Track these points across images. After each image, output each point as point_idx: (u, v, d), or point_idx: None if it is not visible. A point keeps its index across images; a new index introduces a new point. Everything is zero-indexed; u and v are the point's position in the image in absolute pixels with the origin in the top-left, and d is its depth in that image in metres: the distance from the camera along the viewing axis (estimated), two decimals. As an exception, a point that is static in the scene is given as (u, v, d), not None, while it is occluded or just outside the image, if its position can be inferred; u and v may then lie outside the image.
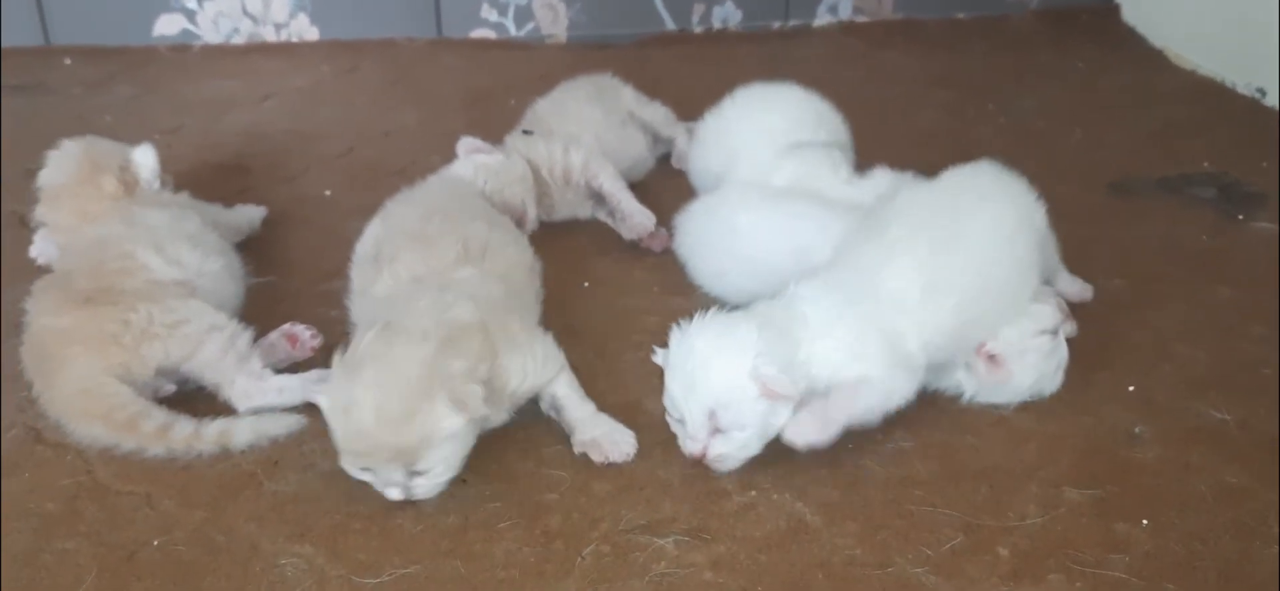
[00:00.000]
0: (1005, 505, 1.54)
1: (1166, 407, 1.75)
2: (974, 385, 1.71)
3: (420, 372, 1.46)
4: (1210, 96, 3.02)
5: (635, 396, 1.76)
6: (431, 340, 1.50)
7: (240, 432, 1.60)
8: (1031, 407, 1.74)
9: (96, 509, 1.51)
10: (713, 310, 1.59)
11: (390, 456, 1.45)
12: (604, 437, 1.62)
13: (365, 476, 1.49)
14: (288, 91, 2.97)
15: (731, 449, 1.53)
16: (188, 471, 1.58)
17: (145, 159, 1.97)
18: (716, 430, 1.52)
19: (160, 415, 1.60)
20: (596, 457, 1.60)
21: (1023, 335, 1.69)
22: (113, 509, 1.51)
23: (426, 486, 1.49)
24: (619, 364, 1.84)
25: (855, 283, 1.65)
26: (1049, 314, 1.72)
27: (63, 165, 1.94)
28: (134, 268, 1.72)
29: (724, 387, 1.50)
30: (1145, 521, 1.51)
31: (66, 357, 1.62)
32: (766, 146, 2.17)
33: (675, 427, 1.58)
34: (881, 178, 2.06)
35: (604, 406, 1.72)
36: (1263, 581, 1.42)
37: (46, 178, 1.95)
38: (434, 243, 1.77)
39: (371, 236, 1.89)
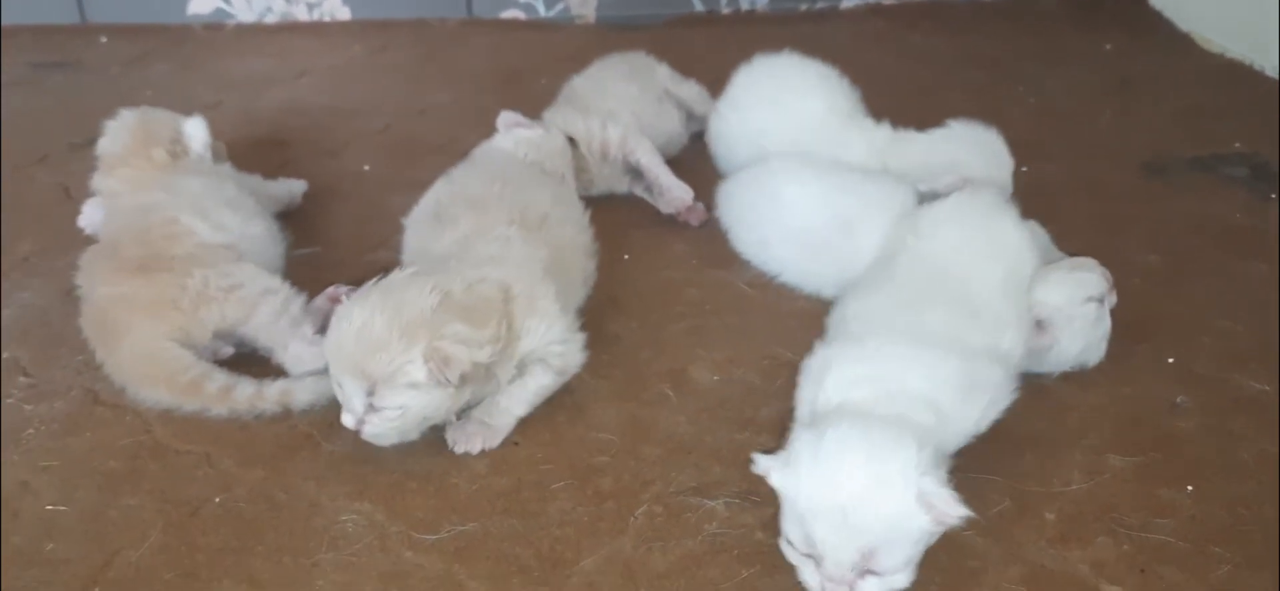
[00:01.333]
0: (1050, 472, 1.56)
1: (1206, 379, 1.76)
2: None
3: (413, 316, 1.48)
4: (1238, 79, 3.03)
5: (680, 363, 1.79)
6: (440, 295, 1.52)
7: (301, 392, 1.62)
8: (1073, 379, 1.76)
9: (158, 467, 1.54)
10: (840, 424, 1.31)
11: (354, 375, 1.47)
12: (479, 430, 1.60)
13: (337, 392, 1.52)
14: (321, 70, 2.99)
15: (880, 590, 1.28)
16: (245, 432, 1.61)
17: (196, 131, 2.00)
18: (868, 572, 1.26)
19: (222, 377, 1.63)
20: (461, 445, 1.58)
21: (1071, 301, 1.71)
22: (174, 467, 1.54)
23: (377, 425, 1.49)
24: (662, 334, 1.86)
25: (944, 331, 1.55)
26: (1095, 282, 1.73)
27: (118, 135, 1.97)
28: (180, 233, 1.75)
29: (889, 525, 1.24)
30: (1190, 487, 1.54)
31: (128, 324, 1.65)
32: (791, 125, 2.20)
33: (797, 561, 1.32)
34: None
35: (649, 375, 1.76)
36: (1307, 547, 1.44)
37: (103, 147, 1.98)
38: (492, 207, 1.79)
39: (433, 196, 1.91)
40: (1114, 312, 1.78)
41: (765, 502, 1.48)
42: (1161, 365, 1.80)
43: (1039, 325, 1.70)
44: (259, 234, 1.90)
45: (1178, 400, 1.72)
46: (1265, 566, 1.40)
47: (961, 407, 1.47)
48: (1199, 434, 1.64)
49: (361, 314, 1.48)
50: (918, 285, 1.67)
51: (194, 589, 1.34)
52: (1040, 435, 1.63)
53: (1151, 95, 2.91)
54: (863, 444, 1.27)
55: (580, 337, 1.72)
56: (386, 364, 1.46)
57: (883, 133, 2.19)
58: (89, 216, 2.06)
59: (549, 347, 1.66)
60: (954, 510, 1.24)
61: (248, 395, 1.62)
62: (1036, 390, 1.73)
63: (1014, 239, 1.74)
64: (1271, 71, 3.02)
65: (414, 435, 1.54)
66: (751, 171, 2.10)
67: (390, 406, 1.48)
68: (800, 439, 1.32)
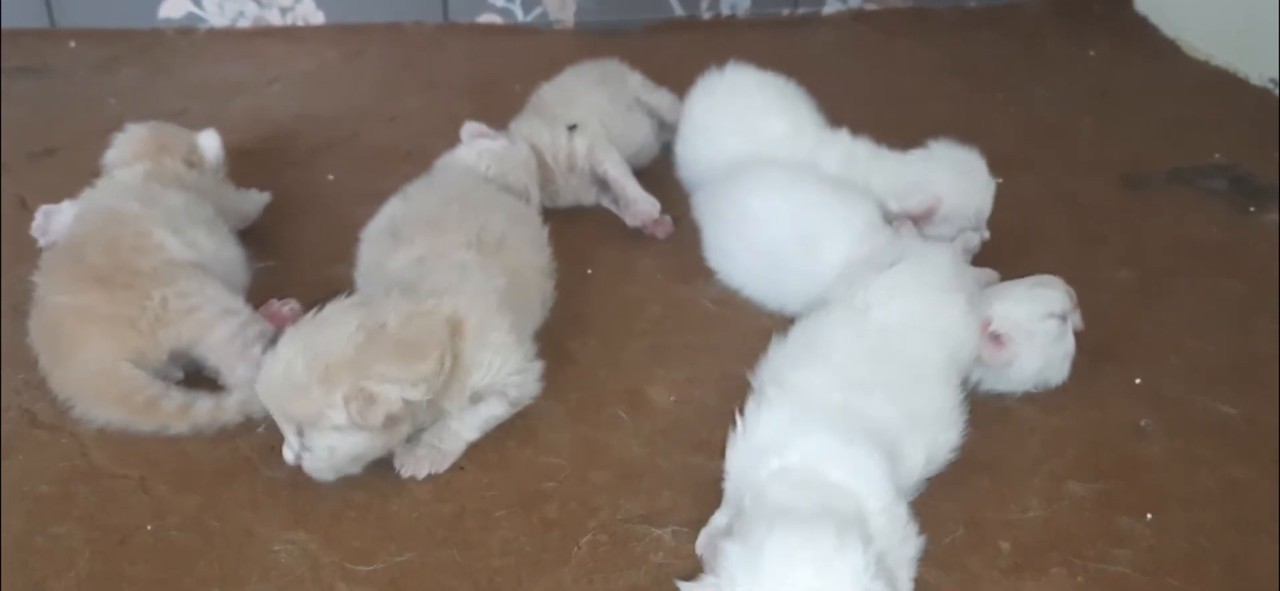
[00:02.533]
0: (1007, 498, 1.53)
1: (1173, 401, 1.73)
2: (979, 370, 1.69)
3: (335, 357, 1.44)
4: (1223, 88, 2.98)
5: (638, 384, 1.75)
6: (367, 333, 1.47)
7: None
8: (1036, 400, 1.72)
9: (90, 492, 1.50)
10: (775, 529, 1.19)
11: (281, 416, 1.45)
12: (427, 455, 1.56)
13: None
14: (294, 75, 2.95)
15: None
16: (183, 456, 1.57)
17: (211, 143, 2.04)
18: None
19: (179, 395, 1.60)
20: (408, 469, 1.55)
21: (1031, 317, 1.67)
22: (107, 493, 1.50)
23: (311, 463, 1.46)
24: (621, 353, 1.83)
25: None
26: (1058, 299, 1.69)
27: (129, 146, 1.97)
28: (150, 247, 1.71)
29: None
30: (1149, 515, 1.50)
31: (81, 338, 1.61)
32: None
33: None
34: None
35: (604, 396, 1.72)
36: (1266, 576, 1.41)
37: (112, 156, 1.97)
38: (448, 228, 1.75)
39: (388, 213, 1.87)
40: (1082, 331, 1.75)
41: (713, 529, 1.45)
42: (1128, 386, 1.76)
43: (997, 340, 1.66)
44: (230, 258, 1.87)
45: (1142, 423, 1.68)
46: (1204, 574, 1.37)
47: (886, 502, 1.34)
48: (1162, 459, 1.61)
49: (287, 354, 1.45)
50: (859, 364, 1.55)
51: (118, 626, 1.30)
52: (999, 459, 1.60)
53: (1134, 104, 2.87)
54: (807, 554, 1.15)
55: (536, 368, 1.68)
56: (308, 407, 1.42)
57: (862, 147, 2.15)
58: (44, 222, 2.02)
59: (506, 380, 1.62)
60: None
61: (207, 409, 1.60)
62: (998, 411, 1.69)
63: (962, 322, 1.65)
64: (1257, 80, 2.97)
65: (355, 470, 1.50)
66: (724, 181, 2.06)
67: (318, 447, 1.45)
68: (730, 556, 1.19)
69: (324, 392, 1.41)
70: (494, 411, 1.61)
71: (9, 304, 1.87)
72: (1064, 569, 1.41)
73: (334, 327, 1.47)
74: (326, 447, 1.45)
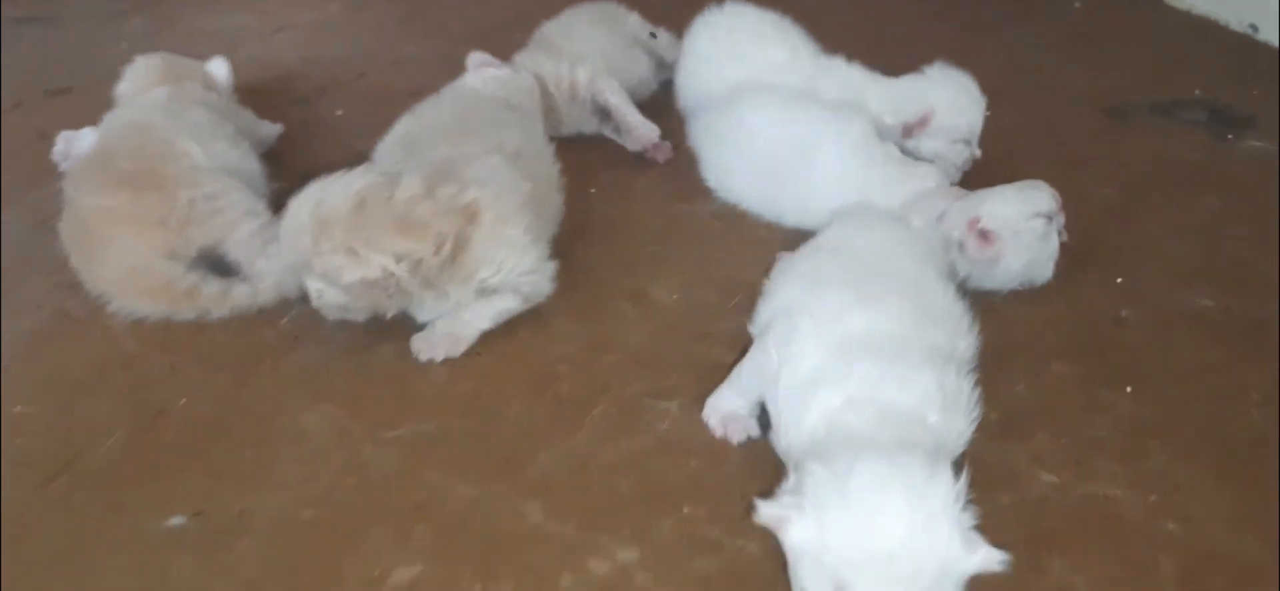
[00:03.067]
0: (995, 378, 1.60)
1: (1153, 296, 1.81)
2: (966, 265, 1.77)
3: (326, 214, 1.54)
4: (1204, 33, 3.07)
5: (641, 284, 1.83)
6: (369, 199, 1.56)
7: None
8: (1022, 296, 1.80)
9: (125, 375, 1.58)
10: (865, 457, 1.16)
11: (287, 251, 1.58)
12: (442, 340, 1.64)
13: None
14: (298, 25, 3.02)
15: None
16: (212, 344, 1.64)
17: (219, 69, 2.14)
18: None
19: (216, 282, 1.69)
20: (424, 353, 1.63)
21: (1019, 215, 1.75)
22: (140, 375, 1.58)
23: (315, 300, 1.60)
24: (625, 259, 1.91)
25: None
26: (1045, 199, 1.77)
27: (142, 75, 2.05)
28: (175, 154, 1.78)
29: (941, 570, 1.11)
30: (1129, 389, 1.58)
31: (113, 237, 1.69)
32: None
33: None
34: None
35: (611, 294, 1.80)
36: (1235, 439, 1.49)
37: (124, 87, 2.05)
38: (468, 138, 1.82)
39: (402, 129, 1.93)
40: (1067, 242, 1.82)
41: (716, 402, 1.53)
42: (1110, 285, 1.85)
43: (986, 236, 1.74)
44: (251, 170, 1.95)
45: (1123, 313, 1.76)
46: (1197, 457, 1.45)
47: (946, 421, 1.32)
48: (1141, 343, 1.69)
49: (304, 198, 1.56)
50: (868, 276, 1.55)
51: (157, 480, 1.38)
52: (987, 346, 1.66)
53: (1117, 49, 2.95)
54: (899, 479, 1.12)
55: (550, 267, 1.76)
56: (301, 251, 1.54)
57: (858, 72, 2.23)
58: (65, 147, 2.10)
59: (518, 277, 1.69)
60: (995, 557, 1.11)
61: (245, 292, 1.69)
62: (986, 307, 1.76)
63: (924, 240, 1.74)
64: (1237, 25, 3.06)
65: (358, 317, 1.62)
66: (721, 103, 2.14)
67: (310, 288, 1.57)
68: (814, 477, 1.15)
69: (313, 242, 1.52)
70: (507, 305, 1.68)
71: (35, 219, 1.94)
72: (1048, 433, 1.49)
73: (344, 186, 1.56)
74: (315, 290, 1.56)
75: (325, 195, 1.55)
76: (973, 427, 1.35)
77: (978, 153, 2.12)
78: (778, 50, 2.26)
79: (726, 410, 1.50)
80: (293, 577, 1.25)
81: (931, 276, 1.60)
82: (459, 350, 1.63)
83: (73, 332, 1.67)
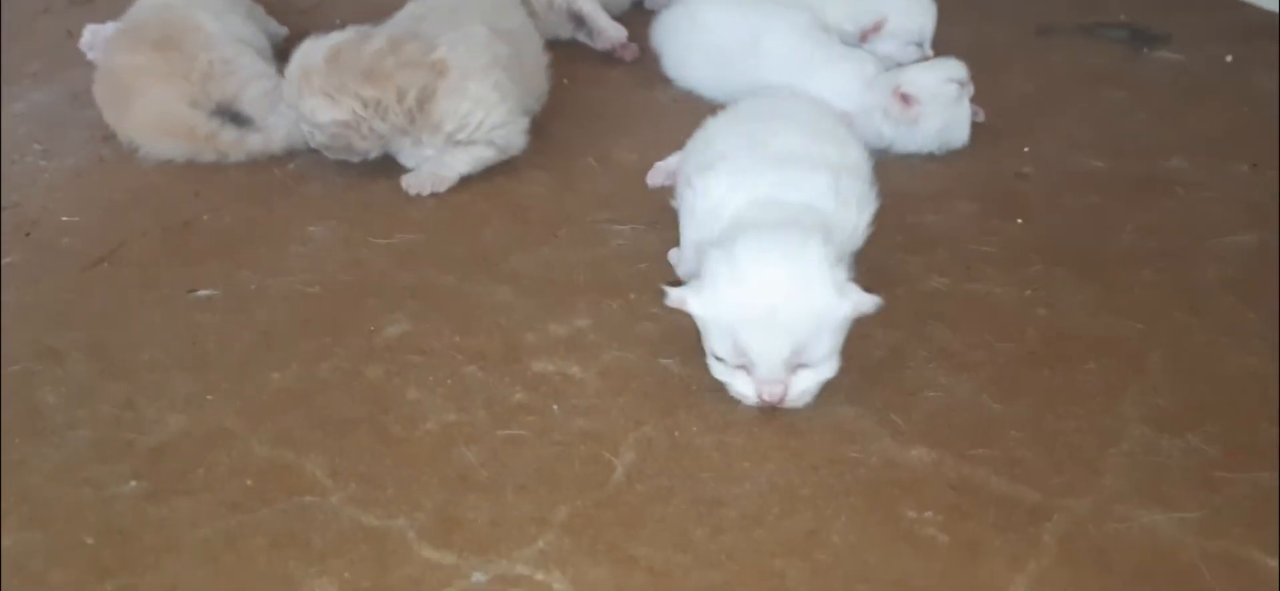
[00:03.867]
0: (905, 213, 1.86)
1: (1052, 158, 2.07)
2: (890, 129, 2.03)
3: (304, 63, 1.84)
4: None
5: (606, 148, 2.08)
6: (342, 52, 1.83)
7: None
8: (939, 157, 2.06)
9: (156, 198, 1.84)
10: (747, 235, 1.36)
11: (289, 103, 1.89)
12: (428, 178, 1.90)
13: None
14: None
15: (813, 381, 1.36)
16: (228, 179, 1.90)
17: None
18: (799, 365, 1.34)
19: (233, 129, 1.95)
20: (413, 188, 1.89)
21: (934, 80, 2.01)
22: (168, 198, 1.84)
23: (309, 141, 1.90)
24: (594, 128, 2.16)
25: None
26: (958, 67, 2.04)
27: None
28: (193, 26, 2.03)
29: (816, 318, 1.31)
30: (1019, 220, 1.84)
31: (142, 88, 1.94)
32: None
33: (728, 375, 1.37)
34: None
35: (580, 153, 2.05)
36: (1107, 256, 1.75)
37: None
38: (465, 18, 2.05)
39: (405, 14, 2.14)
40: (982, 124, 2.09)
41: (667, 229, 1.77)
42: (1017, 152, 2.10)
43: (906, 100, 2.00)
44: (261, 45, 2.20)
45: (1025, 170, 2.02)
46: (1071, 266, 1.71)
47: (841, 212, 1.52)
48: (1036, 191, 1.95)
49: (296, 52, 1.86)
50: (771, 115, 1.77)
51: (187, 265, 1.64)
52: (901, 190, 1.92)
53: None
54: (776, 247, 1.33)
55: (523, 122, 2.00)
56: (290, 95, 1.85)
57: None
58: (91, 38, 2.34)
59: (491, 131, 1.94)
60: (868, 301, 1.32)
61: (258, 139, 1.95)
62: (905, 164, 2.03)
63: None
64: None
65: (351, 158, 1.89)
66: (680, 3, 2.40)
67: (302, 125, 1.88)
68: (711, 258, 1.35)
69: (295, 89, 1.82)
70: (483, 154, 1.94)
71: (69, 92, 2.20)
72: (947, 250, 1.75)
73: (324, 43, 1.84)
74: (306, 131, 1.86)
75: (309, 48, 1.83)
76: (867, 221, 1.59)
77: (930, 53, 2.35)
78: None
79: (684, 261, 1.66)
80: (301, 329, 1.50)
81: (826, 112, 1.84)
82: (442, 187, 1.89)
83: (108, 169, 1.92)
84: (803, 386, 1.34)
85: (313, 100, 1.79)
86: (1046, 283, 1.68)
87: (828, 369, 1.35)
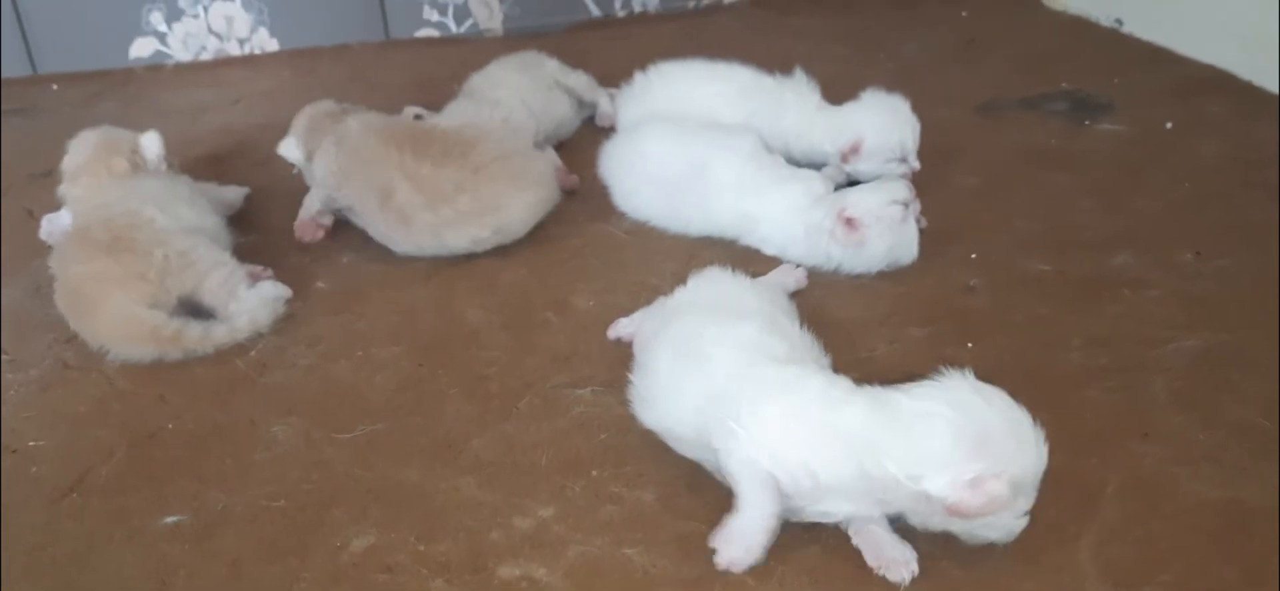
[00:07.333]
0: (859, 344, 1.90)
1: (1000, 266, 2.11)
2: (839, 252, 2.06)
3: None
4: (1075, 29, 3.40)
5: (563, 295, 2.11)
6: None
7: (261, 313, 2.01)
8: (888, 275, 2.10)
9: (120, 407, 1.85)
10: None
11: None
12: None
13: None
14: (254, 95, 3.31)
15: None
16: (192, 378, 1.92)
17: (151, 143, 2.34)
18: None
19: (197, 325, 1.97)
20: None
21: (878, 203, 2.05)
22: (133, 406, 1.85)
23: None
24: (547, 275, 2.19)
25: None
26: (901, 188, 2.07)
27: (80, 149, 2.30)
28: (142, 222, 2.05)
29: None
30: (970, 344, 1.88)
31: (102, 295, 1.95)
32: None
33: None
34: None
35: (535, 305, 2.08)
36: (1060, 377, 1.78)
37: (67, 161, 2.29)
38: None
39: None
40: (928, 227, 2.13)
41: (625, 387, 1.80)
42: (965, 260, 2.15)
43: (851, 223, 2.04)
44: (210, 227, 2.22)
45: (972, 283, 2.06)
46: (1022, 392, 1.72)
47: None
48: (985, 307, 1.99)
49: None
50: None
51: (154, 488, 1.65)
52: (854, 318, 1.97)
53: (996, 49, 3.28)
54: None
55: None
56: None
57: (813, 100, 2.53)
58: (48, 228, 2.37)
59: None
60: None
61: (223, 330, 1.98)
62: (856, 285, 2.07)
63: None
64: (1105, 21, 3.39)
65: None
66: (623, 135, 2.44)
67: None
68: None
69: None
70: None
71: (31, 284, 2.22)
72: (896, 381, 1.78)
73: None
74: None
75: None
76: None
77: (916, 165, 2.36)
78: (728, 83, 2.58)
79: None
80: (269, 554, 1.52)
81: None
82: None
83: (72, 379, 1.94)
84: None
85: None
86: (998, 413, 1.70)
87: None
